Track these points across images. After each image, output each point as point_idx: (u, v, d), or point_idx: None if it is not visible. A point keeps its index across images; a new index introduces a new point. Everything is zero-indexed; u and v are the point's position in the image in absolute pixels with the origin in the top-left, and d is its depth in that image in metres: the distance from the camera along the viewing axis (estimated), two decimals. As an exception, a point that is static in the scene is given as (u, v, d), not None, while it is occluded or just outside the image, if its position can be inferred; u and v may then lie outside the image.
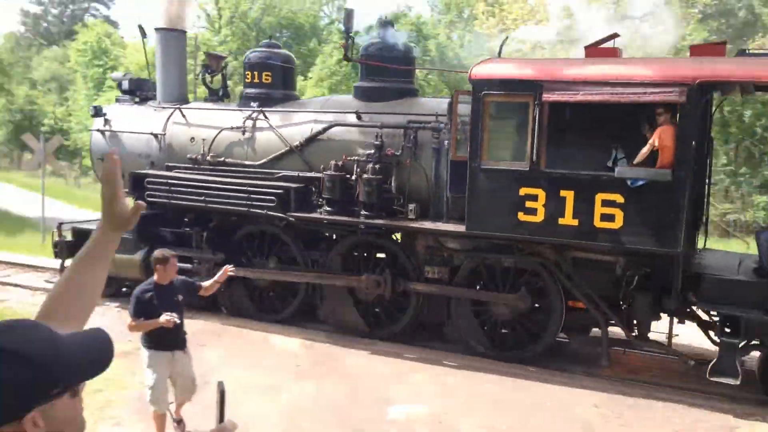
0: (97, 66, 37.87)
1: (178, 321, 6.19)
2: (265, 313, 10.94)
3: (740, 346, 8.31)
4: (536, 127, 8.65)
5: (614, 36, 9.75)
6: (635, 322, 9.25)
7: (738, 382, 8.08)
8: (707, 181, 9.92)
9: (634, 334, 9.22)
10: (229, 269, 6.69)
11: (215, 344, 9.64)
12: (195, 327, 6.67)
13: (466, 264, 9.79)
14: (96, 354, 1.54)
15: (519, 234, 8.95)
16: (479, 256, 9.66)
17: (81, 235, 11.78)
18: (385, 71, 10.55)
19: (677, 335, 9.42)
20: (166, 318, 6.04)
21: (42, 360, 1.40)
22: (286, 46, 39.81)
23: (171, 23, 12.00)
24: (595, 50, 9.46)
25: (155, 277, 6.35)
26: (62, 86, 50.26)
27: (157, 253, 6.45)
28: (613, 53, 9.40)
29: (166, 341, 6.34)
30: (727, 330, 8.34)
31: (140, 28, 12.39)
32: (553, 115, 8.70)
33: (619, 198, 8.43)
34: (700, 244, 10.13)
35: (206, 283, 6.71)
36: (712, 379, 8.19)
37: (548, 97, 8.56)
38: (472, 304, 9.86)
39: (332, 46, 33.17)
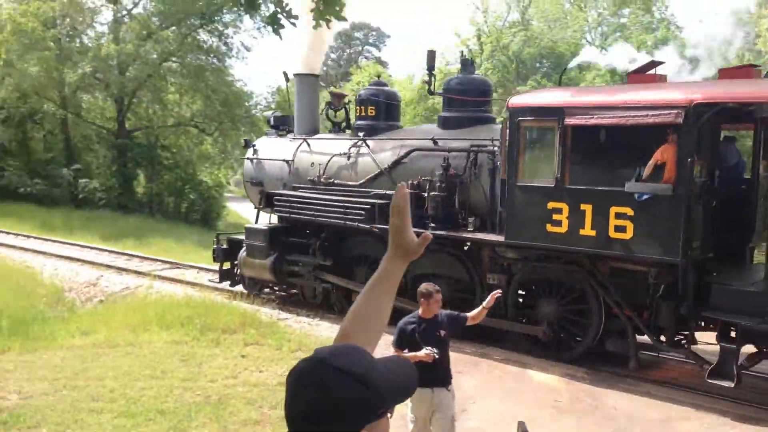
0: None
1: (437, 356, 5.97)
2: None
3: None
4: (560, 147, 9.74)
5: (656, 64, 10.47)
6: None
7: (733, 385, 8.51)
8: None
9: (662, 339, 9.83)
10: (496, 294, 6.43)
11: (471, 373, 9.93)
12: (452, 355, 6.54)
13: (520, 272, 10.96)
14: (405, 380, 1.63)
15: (548, 244, 10.02)
16: (528, 265, 10.79)
17: (233, 244, 14.55)
18: (464, 102, 12.09)
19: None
20: (426, 352, 5.91)
21: (374, 381, 1.49)
22: (545, 77, 41.07)
23: (306, 69, 14.49)
24: (637, 77, 10.30)
25: (419, 310, 6.24)
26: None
27: (422, 287, 6.27)
28: (652, 79, 10.15)
29: (427, 377, 5.68)
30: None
31: (284, 74, 15.02)
32: (575, 137, 9.72)
33: (629, 211, 9.25)
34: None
35: (473, 313, 6.47)
36: (709, 380, 8.70)
37: (569, 121, 9.62)
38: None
39: (594, 73, 33.60)
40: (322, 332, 11.93)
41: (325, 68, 73.73)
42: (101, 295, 15.96)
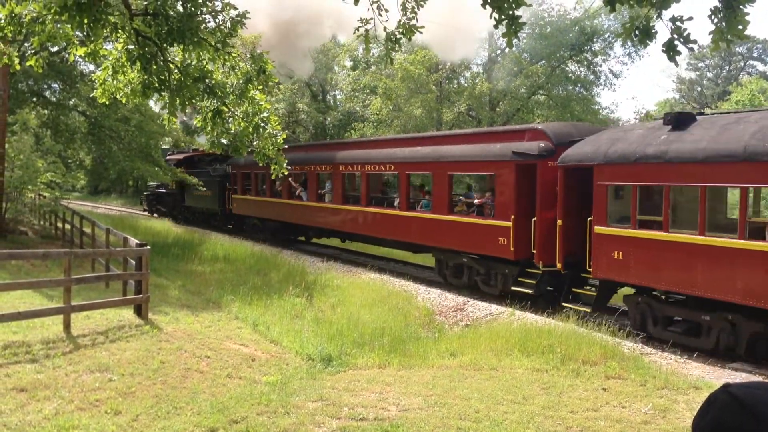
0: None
1: None
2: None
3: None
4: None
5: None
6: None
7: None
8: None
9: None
10: None
11: None
12: None
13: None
14: None
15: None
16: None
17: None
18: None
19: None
20: None
21: (765, 418, 1.36)
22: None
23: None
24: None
25: None
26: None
27: None
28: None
29: None
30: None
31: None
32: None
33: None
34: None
35: None
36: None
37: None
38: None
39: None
40: (692, 371, 11.29)
41: (699, 88, 70.97)
42: (467, 320, 16.42)
